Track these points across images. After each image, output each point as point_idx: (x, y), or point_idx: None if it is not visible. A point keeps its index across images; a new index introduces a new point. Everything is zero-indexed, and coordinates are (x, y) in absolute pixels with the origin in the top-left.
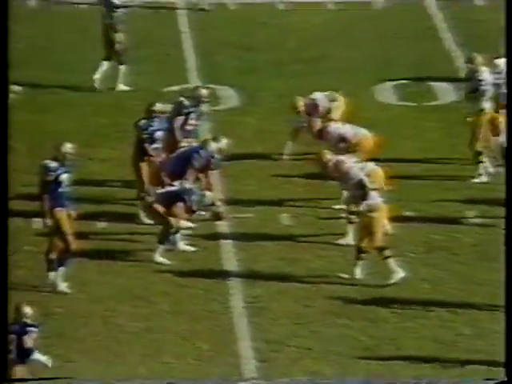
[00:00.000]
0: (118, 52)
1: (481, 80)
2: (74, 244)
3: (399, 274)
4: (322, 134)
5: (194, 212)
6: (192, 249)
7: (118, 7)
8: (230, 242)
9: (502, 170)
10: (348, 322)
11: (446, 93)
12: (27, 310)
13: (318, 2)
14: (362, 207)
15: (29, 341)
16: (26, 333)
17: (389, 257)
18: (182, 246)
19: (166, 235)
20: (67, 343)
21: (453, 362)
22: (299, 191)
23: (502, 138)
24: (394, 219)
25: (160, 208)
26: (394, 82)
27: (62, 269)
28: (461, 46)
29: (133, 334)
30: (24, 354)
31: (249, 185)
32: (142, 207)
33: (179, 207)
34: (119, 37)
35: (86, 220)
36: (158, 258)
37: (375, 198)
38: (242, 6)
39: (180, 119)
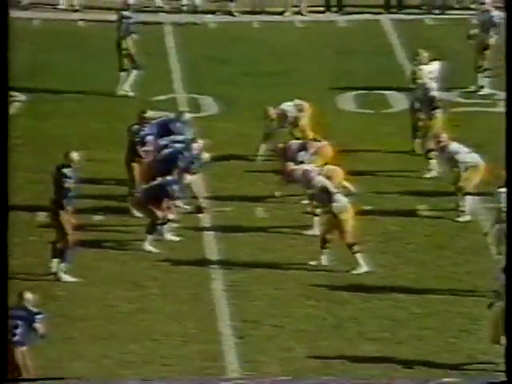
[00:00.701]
0: (130, 59)
1: (427, 88)
2: (72, 241)
3: (364, 268)
4: (284, 151)
5: (177, 199)
6: (177, 239)
7: (126, 18)
8: (211, 233)
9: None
10: (315, 303)
11: (399, 101)
12: (29, 296)
13: (288, 20)
14: (330, 208)
15: (41, 328)
16: (34, 320)
17: (357, 252)
18: (169, 236)
19: (153, 226)
20: (67, 323)
21: (404, 339)
22: (272, 188)
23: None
24: (355, 213)
25: (147, 202)
26: (354, 92)
27: (62, 264)
28: (412, 61)
29: (125, 314)
30: (33, 339)
31: (227, 183)
32: (131, 202)
33: (164, 201)
34: (129, 44)
35: (84, 214)
36: (147, 246)
37: (341, 200)
38: (221, 24)
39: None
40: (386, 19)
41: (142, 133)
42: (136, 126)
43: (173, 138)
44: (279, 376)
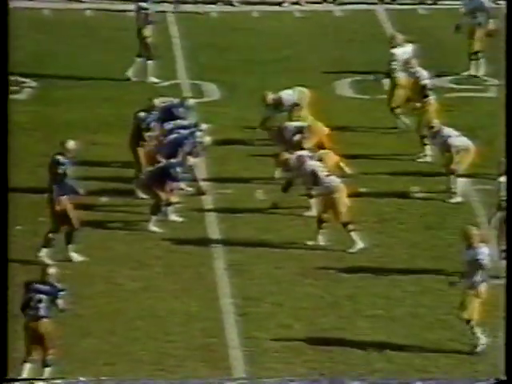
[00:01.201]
0: (147, 48)
1: (418, 77)
2: (78, 224)
3: (359, 245)
4: (280, 133)
5: (180, 181)
6: (181, 219)
7: (144, 9)
8: (213, 214)
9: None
10: (313, 281)
11: None
12: (52, 270)
13: (286, 10)
14: (320, 189)
15: (63, 303)
16: (57, 295)
17: (352, 230)
18: (173, 216)
19: (157, 208)
20: (75, 301)
21: (399, 317)
22: (271, 171)
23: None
24: (351, 195)
25: (151, 184)
26: (351, 79)
27: (71, 245)
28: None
29: (131, 292)
30: (54, 313)
31: (228, 165)
32: (137, 184)
33: (168, 183)
34: (147, 34)
35: (91, 195)
36: (152, 227)
37: (333, 181)
38: (222, 13)
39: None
40: (380, 9)
41: (148, 119)
42: (142, 113)
43: (178, 122)
44: (280, 352)
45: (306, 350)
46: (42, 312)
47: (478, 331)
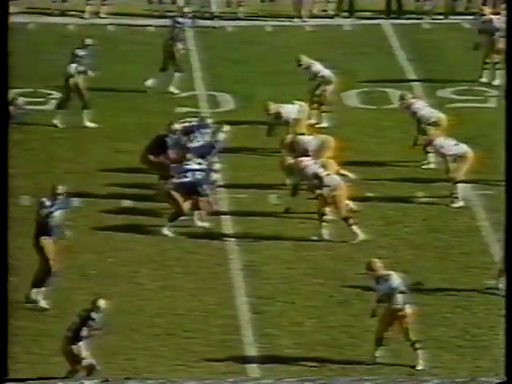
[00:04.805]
0: (176, 62)
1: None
2: (55, 267)
3: (361, 236)
4: (292, 146)
5: (205, 196)
6: (207, 225)
7: (180, 23)
8: (228, 217)
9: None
10: (322, 281)
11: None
12: (101, 303)
13: (298, 25)
14: (323, 191)
15: (85, 331)
16: (85, 325)
17: (352, 224)
18: (200, 223)
19: (175, 216)
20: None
21: None
22: (282, 177)
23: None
24: (358, 199)
25: (176, 195)
26: (358, 90)
27: (42, 289)
28: (410, 61)
29: (151, 291)
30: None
31: (243, 172)
32: (159, 192)
33: (193, 198)
34: (179, 47)
35: (114, 199)
36: (166, 231)
37: (335, 180)
38: (237, 28)
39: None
40: (386, 23)
41: (169, 142)
42: (166, 135)
43: (200, 135)
44: (292, 349)
45: (316, 346)
46: (69, 334)
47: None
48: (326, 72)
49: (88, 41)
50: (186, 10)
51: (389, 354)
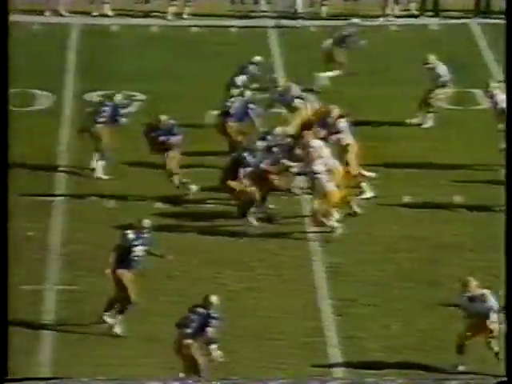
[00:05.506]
0: (340, 65)
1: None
2: (133, 296)
3: (369, 194)
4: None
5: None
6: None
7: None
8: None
9: None
10: (411, 284)
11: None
12: (214, 299)
13: (382, 24)
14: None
15: (211, 332)
16: (208, 324)
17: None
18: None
19: (249, 206)
20: (185, 301)
21: None
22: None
23: None
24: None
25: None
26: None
27: (120, 316)
28: (497, 62)
29: (235, 292)
30: (203, 340)
31: None
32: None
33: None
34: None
35: (196, 204)
36: (252, 220)
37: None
38: (319, 27)
39: None
40: (474, 23)
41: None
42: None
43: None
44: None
45: (402, 350)
46: (189, 331)
47: None
48: (448, 77)
49: (257, 58)
50: (268, 9)
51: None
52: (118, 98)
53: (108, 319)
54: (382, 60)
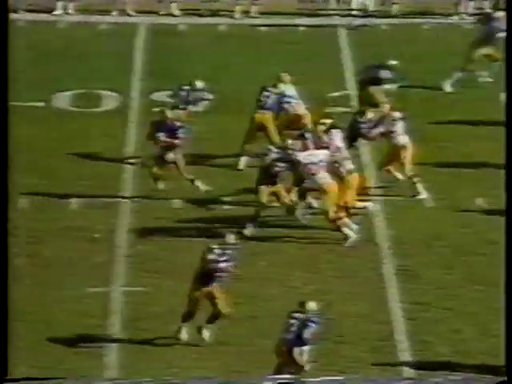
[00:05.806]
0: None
1: None
2: (225, 310)
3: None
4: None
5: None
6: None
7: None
8: (381, 219)
9: None
10: (482, 287)
11: None
12: (312, 305)
13: (455, 23)
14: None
15: (307, 334)
16: (306, 326)
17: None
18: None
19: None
20: (251, 301)
21: None
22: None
23: None
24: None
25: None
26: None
27: (210, 325)
28: None
29: (305, 294)
30: (300, 342)
31: None
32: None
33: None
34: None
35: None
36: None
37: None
38: (390, 26)
39: None
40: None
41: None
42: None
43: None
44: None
45: (475, 355)
46: (287, 336)
47: None
48: None
49: (392, 62)
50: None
51: None
52: (199, 84)
53: (183, 332)
54: (451, 59)
